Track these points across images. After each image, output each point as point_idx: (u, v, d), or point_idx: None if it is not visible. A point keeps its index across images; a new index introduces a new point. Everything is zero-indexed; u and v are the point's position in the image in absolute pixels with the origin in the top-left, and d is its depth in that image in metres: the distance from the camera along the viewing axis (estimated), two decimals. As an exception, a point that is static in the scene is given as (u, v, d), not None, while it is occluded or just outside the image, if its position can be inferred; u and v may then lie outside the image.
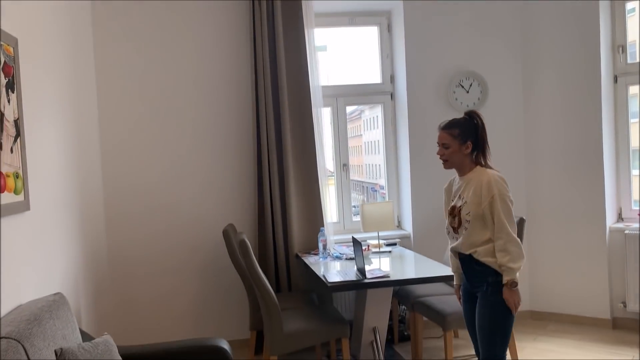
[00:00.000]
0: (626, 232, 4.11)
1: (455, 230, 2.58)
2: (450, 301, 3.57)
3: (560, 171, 4.40)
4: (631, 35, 4.27)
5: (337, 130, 4.62)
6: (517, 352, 3.57)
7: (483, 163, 2.58)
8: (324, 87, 4.32)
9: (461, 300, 2.73)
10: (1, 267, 2.19)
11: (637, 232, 4.05)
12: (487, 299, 2.50)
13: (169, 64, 4.12)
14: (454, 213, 2.58)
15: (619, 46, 4.26)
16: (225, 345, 2.64)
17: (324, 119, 4.36)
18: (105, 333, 2.48)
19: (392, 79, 4.66)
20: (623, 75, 4.27)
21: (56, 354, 2.12)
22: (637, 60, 4.20)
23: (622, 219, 4.36)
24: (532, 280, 4.58)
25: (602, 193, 4.21)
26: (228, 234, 3.76)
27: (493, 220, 2.45)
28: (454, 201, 2.60)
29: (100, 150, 4.00)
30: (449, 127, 2.59)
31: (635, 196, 4.34)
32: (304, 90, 4.18)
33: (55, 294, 2.49)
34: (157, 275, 4.13)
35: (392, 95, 4.68)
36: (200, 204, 4.19)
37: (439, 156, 2.61)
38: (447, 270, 3.32)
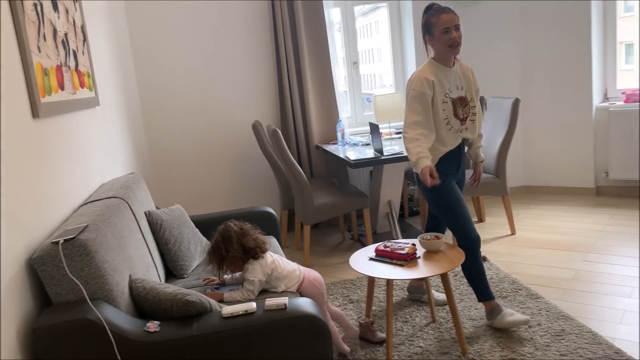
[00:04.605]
0: (610, 109, 4.59)
1: (465, 120, 2.66)
2: (455, 175, 4.13)
3: (553, 57, 4.80)
4: None
5: (347, 29, 4.96)
6: (514, 217, 4.17)
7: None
8: (333, -12, 4.62)
9: (451, 190, 2.67)
10: (86, 152, 2.67)
11: (620, 109, 4.53)
12: (463, 187, 2.84)
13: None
14: (464, 102, 2.64)
15: None
16: (272, 210, 3.18)
17: (334, 20, 4.70)
18: (175, 203, 3.01)
19: (396, -23, 4.94)
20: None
21: (146, 215, 2.66)
22: None
23: (607, 99, 4.82)
24: (525, 158, 5.12)
25: (589, 75, 4.64)
26: (257, 127, 4.23)
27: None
28: (454, 92, 2.62)
29: (133, 56, 4.37)
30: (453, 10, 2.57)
31: (619, 79, 4.78)
32: (315, -8, 4.49)
33: (131, 173, 2.99)
34: (194, 166, 4.63)
35: (396, -6, 4.98)
36: (227, 104, 4.62)
37: (453, 40, 2.52)
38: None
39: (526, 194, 5.12)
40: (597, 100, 4.75)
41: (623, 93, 4.66)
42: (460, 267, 2.84)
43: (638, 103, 4.47)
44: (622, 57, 6.49)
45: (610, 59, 4.75)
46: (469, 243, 2.62)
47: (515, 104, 3.90)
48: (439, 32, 2.52)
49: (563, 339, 2.54)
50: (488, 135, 4.13)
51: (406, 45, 4.99)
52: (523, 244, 3.88)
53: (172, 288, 1.96)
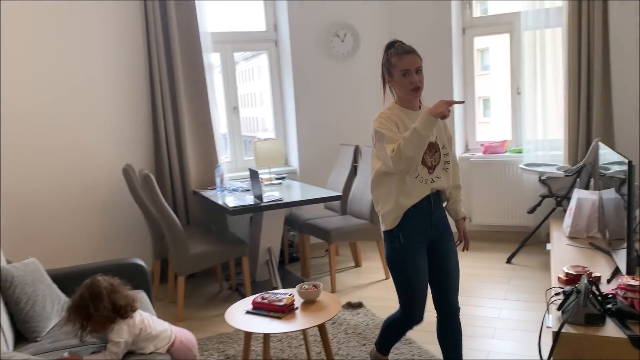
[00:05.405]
0: (471, 159, 5.00)
1: (433, 169, 2.32)
2: (332, 221, 4.20)
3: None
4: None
5: (227, 74, 4.94)
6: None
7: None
8: (212, 33, 4.59)
9: (414, 256, 2.33)
10: None
11: (480, 159, 4.96)
12: (451, 241, 2.42)
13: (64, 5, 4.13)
14: (434, 149, 2.32)
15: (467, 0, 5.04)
16: (142, 262, 2.98)
17: (214, 64, 4.66)
18: (30, 257, 2.71)
19: (276, 27, 5.05)
20: (470, 27, 5.06)
21: (-8, 271, 2.35)
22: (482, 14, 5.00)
23: (469, 150, 5.25)
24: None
25: (452, 127, 5.03)
26: (128, 172, 4.00)
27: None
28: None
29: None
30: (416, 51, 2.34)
31: (478, 131, 5.25)
32: (194, 36, 4.43)
33: (-24, 224, 2.65)
34: (57, 214, 4.24)
35: (276, 43, 5.07)
36: (96, 146, 4.33)
37: (414, 85, 2.33)
38: (330, 193, 3.92)
39: (399, 239, 5.34)
40: (459, 151, 5.15)
41: (482, 145, 5.10)
42: (338, 315, 2.84)
43: (495, 154, 4.93)
44: (481, 110, 7.17)
45: (470, 113, 5.21)
46: (410, 319, 2.46)
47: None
48: (398, 75, 2.31)
49: (435, 384, 2.62)
50: (364, 183, 4.27)
51: (286, 91, 5.08)
52: (397, 288, 4.01)
53: (20, 356, 1.73)
